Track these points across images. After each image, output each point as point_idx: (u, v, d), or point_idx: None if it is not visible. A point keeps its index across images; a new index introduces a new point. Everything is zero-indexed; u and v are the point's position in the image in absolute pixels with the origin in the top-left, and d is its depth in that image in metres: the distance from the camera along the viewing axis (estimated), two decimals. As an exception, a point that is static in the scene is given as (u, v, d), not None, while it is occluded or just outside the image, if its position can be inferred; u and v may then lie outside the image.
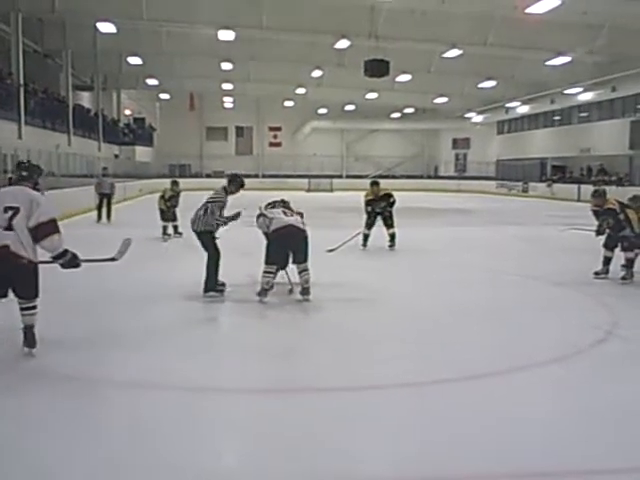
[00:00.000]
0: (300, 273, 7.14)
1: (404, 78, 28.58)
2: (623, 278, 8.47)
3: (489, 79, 29.35)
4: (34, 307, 5.03)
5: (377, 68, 21.90)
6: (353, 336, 5.86)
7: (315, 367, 4.98)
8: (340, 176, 44.78)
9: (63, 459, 3.39)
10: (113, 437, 3.68)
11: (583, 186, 29.71)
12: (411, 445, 3.62)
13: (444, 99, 35.55)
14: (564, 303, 7.48)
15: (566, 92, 30.77)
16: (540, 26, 20.11)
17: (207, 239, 7.25)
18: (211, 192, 7.48)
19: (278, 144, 46.79)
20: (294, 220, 7.28)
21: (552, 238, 13.95)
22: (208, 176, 39.33)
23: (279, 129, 46.58)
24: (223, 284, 7.41)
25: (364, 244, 11.67)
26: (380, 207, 11.62)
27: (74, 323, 6.19)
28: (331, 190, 39.69)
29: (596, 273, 8.74)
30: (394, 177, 42.27)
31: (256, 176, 43.07)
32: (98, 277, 7.93)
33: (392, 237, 11.72)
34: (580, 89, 30.16)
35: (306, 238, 7.22)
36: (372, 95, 34.54)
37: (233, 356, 5.33)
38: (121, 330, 5.95)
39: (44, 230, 4.88)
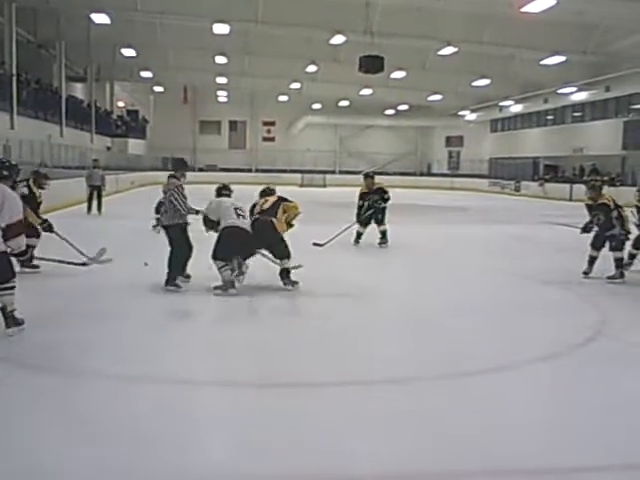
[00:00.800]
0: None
1: (399, 75, 28.56)
2: (612, 277, 8.50)
3: (483, 77, 29.34)
4: (11, 288, 5.27)
5: (372, 64, 21.86)
6: (340, 332, 5.85)
7: (300, 362, 4.97)
8: (333, 172, 44.75)
9: (43, 450, 3.37)
10: (95, 428, 3.67)
11: (575, 186, 29.78)
12: (398, 442, 3.62)
13: (438, 96, 35.56)
14: (555, 302, 7.50)
15: (560, 91, 30.84)
16: (535, 25, 20.14)
17: (175, 232, 7.36)
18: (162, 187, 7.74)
19: (272, 139, 46.72)
20: (241, 222, 7.35)
21: (544, 237, 13.99)
22: (201, 170, 39.20)
23: (273, 124, 46.50)
24: (188, 276, 7.59)
25: (356, 241, 11.58)
26: (372, 200, 11.44)
27: (59, 314, 6.17)
28: (324, 185, 39.68)
29: (585, 273, 8.77)
30: (387, 174, 42.20)
31: (249, 170, 43.05)
32: (86, 269, 7.90)
33: (383, 234, 11.60)
34: (574, 89, 30.24)
35: (252, 239, 7.32)
36: (366, 91, 34.52)
37: (216, 350, 5.31)
38: (106, 322, 5.94)
39: (13, 231, 5.12)
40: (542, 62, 24.23)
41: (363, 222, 11.57)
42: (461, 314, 6.65)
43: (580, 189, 28.80)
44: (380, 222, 11.58)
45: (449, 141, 47.10)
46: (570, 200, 28.75)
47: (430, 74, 29.57)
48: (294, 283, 7.51)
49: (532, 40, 22.03)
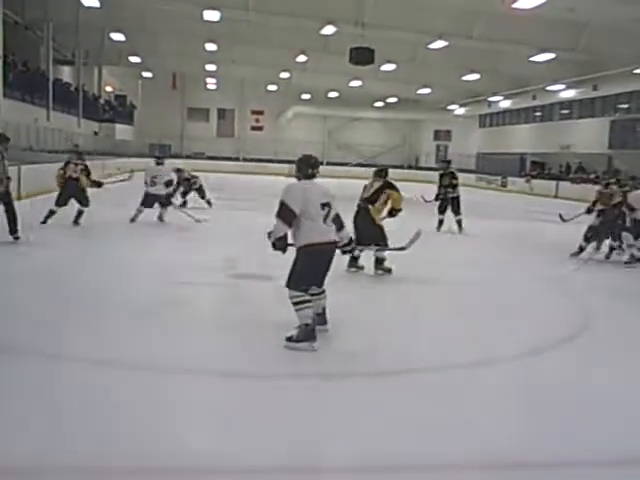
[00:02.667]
0: None
1: (389, 67, 28.53)
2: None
3: (473, 72, 29.41)
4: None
5: (362, 56, 21.84)
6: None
7: (290, 352, 4.98)
8: (321, 163, 44.51)
9: (13, 436, 3.37)
10: (82, 416, 3.67)
11: (561, 183, 29.98)
12: (387, 431, 3.65)
13: (427, 90, 35.59)
14: (539, 298, 7.56)
15: (548, 89, 30.98)
16: (525, 21, 20.19)
17: None
18: None
19: (260, 128, 46.60)
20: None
21: (530, 233, 14.08)
22: (188, 157, 39.03)
23: (261, 113, 46.37)
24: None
25: (438, 229, 12.97)
26: (444, 184, 13.00)
27: (47, 298, 6.16)
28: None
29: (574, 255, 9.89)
30: (375, 166, 42.17)
31: (237, 159, 42.92)
32: (74, 255, 7.87)
33: (458, 223, 12.97)
34: (562, 86, 30.39)
35: None
36: (356, 83, 34.47)
37: (207, 338, 5.31)
38: (88, 307, 5.93)
39: (339, 222, 5.30)
40: (531, 59, 24.30)
41: (440, 210, 13.07)
42: (445, 309, 6.68)
43: (566, 186, 29.14)
44: (456, 212, 12.99)
45: (437, 135, 47.23)
46: (556, 197, 28.93)
47: (420, 67, 29.56)
48: (389, 270, 7.98)
49: (522, 36, 22.04)
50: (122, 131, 37.19)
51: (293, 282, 5.00)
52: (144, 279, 7.31)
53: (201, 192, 15.04)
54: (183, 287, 7.01)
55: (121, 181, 11.73)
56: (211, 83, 42.22)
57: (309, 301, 5.00)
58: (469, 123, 44.15)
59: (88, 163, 11.77)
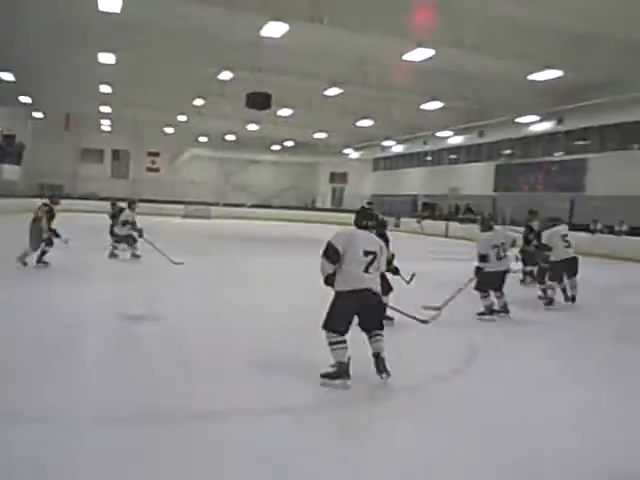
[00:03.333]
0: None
1: (285, 112, 29.04)
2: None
3: (367, 118, 30.35)
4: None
5: (259, 101, 22.13)
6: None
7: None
8: (218, 204, 44.62)
9: None
10: None
11: (451, 223, 31.29)
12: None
13: (323, 134, 36.36)
14: (427, 334, 7.83)
15: (438, 135, 32.48)
16: (416, 71, 21.14)
17: None
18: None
19: (156, 169, 46.14)
20: None
21: (422, 272, 14.51)
22: (82, 198, 38.01)
23: (157, 154, 46.00)
24: None
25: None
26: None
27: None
28: (209, 217, 39.30)
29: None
30: (270, 207, 42.70)
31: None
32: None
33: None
34: (451, 133, 31.98)
35: None
36: (253, 127, 34.83)
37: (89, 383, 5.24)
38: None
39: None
40: (422, 107, 25.41)
41: None
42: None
43: (455, 226, 30.42)
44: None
45: (333, 177, 48.32)
46: (446, 236, 30.13)
47: (316, 112, 30.16)
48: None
49: (412, 85, 23.04)
50: (9, 171, 35.81)
51: (324, 323, 5.21)
52: (34, 321, 7.11)
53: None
54: (71, 330, 6.89)
55: (64, 242, 11.81)
56: (106, 125, 41.49)
57: (343, 342, 5.16)
58: (364, 166, 45.43)
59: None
